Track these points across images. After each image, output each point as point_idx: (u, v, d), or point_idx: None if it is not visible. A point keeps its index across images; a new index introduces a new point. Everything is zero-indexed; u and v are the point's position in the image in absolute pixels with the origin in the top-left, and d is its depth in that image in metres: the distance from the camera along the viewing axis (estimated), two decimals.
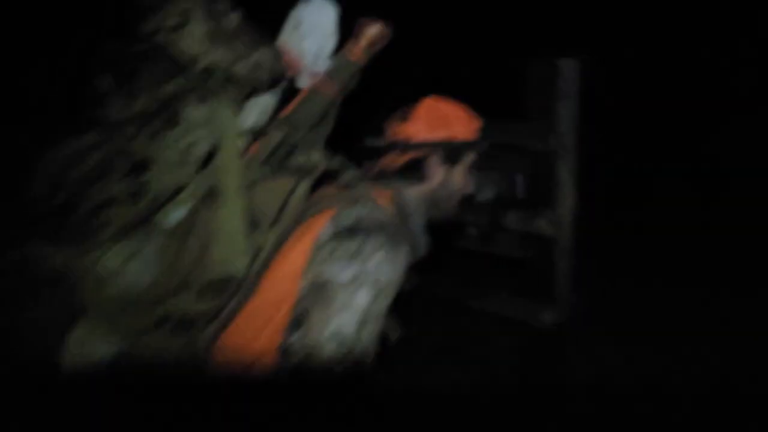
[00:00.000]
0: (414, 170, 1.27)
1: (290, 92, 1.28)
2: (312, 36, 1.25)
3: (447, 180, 1.30)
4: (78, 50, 1.17)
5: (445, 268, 2.70)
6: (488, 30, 5.65)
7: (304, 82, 1.29)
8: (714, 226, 4.17)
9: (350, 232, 1.11)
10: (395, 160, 1.28)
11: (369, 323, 1.07)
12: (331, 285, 1.07)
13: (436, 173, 1.28)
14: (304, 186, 1.18)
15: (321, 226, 1.13)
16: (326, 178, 1.21)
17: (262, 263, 1.13)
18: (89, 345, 1.05)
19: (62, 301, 1.00)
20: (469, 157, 1.33)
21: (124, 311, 1.04)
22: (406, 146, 1.25)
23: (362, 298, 1.06)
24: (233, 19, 1.13)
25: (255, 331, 1.12)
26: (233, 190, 1.10)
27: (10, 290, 0.99)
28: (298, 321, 1.08)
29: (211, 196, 1.10)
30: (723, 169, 4.80)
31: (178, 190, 1.08)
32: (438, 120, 1.28)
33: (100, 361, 1.05)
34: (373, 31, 1.30)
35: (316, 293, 1.07)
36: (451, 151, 1.27)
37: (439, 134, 1.27)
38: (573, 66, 2.46)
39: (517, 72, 2.58)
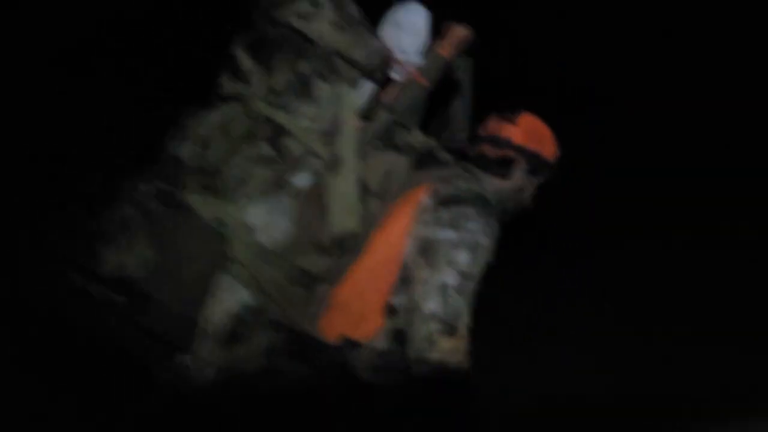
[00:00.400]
0: (501, 167, 1.43)
1: (384, 82, 1.44)
2: (410, 34, 1.43)
3: (522, 187, 1.47)
4: (223, 31, 1.30)
5: None
6: None
7: (399, 74, 1.45)
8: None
9: (452, 200, 1.26)
10: (488, 151, 1.44)
11: (468, 282, 1.21)
12: (436, 244, 1.21)
13: (518, 178, 1.45)
14: (407, 160, 1.34)
15: (423, 194, 1.28)
16: (424, 156, 1.36)
17: (371, 226, 1.27)
18: (231, 292, 1.16)
19: (211, 248, 1.12)
20: (543, 176, 1.51)
21: (264, 264, 1.16)
22: (506, 144, 1.42)
23: (463, 258, 1.21)
24: (354, 9, 1.30)
25: (364, 287, 1.25)
26: (351, 159, 1.24)
27: (166, 235, 1.11)
28: (404, 280, 1.22)
29: (333, 164, 1.24)
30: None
31: (307, 157, 1.23)
32: (535, 134, 1.46)
33: (240, 308, 1.17)
34: (461, 32, 1.48)
35: (423, 252, 1.22)
36: (537, 165, 1.45)
37: (531, 146, 1.45)
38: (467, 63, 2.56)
39: None
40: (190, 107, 1.25)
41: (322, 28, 1.26)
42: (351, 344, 1.24)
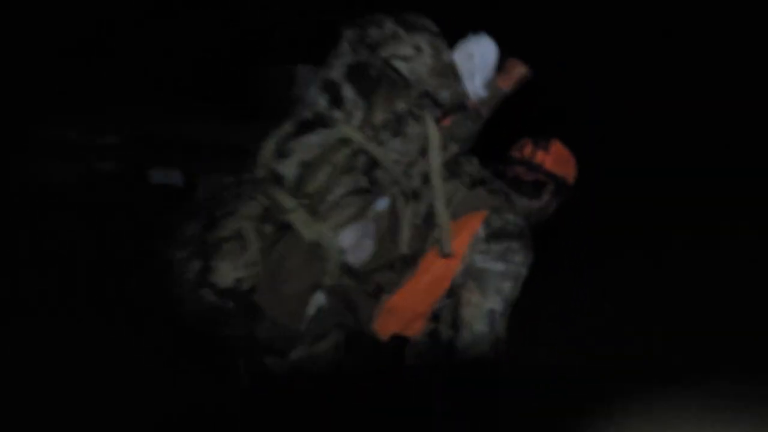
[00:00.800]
0: (533, 189, 1.65)
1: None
2: (481, 67, 1.56)
3: (547, 206, 1.70)
4: (329, 59, 1.38)
5: None
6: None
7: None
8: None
9: (501, 233, 1.49)
10: (523, 174, 1.65)
11: (509, 307, 1.47)
12: (487, 274, 1.45)
13: (546, 198, 1.68)
14: (465, 187, 1.52)
15: (477, 223, 1.50)
16: (477, 182, 1.55)
17: (430, 246, 1.48)
18: (316, 299, 1.35)
19: (310, 268, 1.29)
20: (564, 197, 1.74)
21: (348, 278, 1.35)
22: (538, 169, 1.63)
23: (508, 287, 1.46)
24: (447, 55, 1.41)
25: (416, 299, 1.48)
26: (440, 190, 1.41)
27: (274, 254, 1.27)
28: (451, 292, 1.46)
29: (413, 193, 1.41)
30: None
31: (391, 186, 1.39)
32: (563, 160, 1.69)
33: (316, 311, 1.37)
34: (522, 70, 1.62)
35: (474, 278, 1.45)
36: (562, 188, 1.67)
37: (560, 172, 1.66)
38: (310, 72, 2.55)
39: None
40: (286, 125, 1.36)
41: (420, 71, 1.38)
42: (400, 340, 1.49)
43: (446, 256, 1.42)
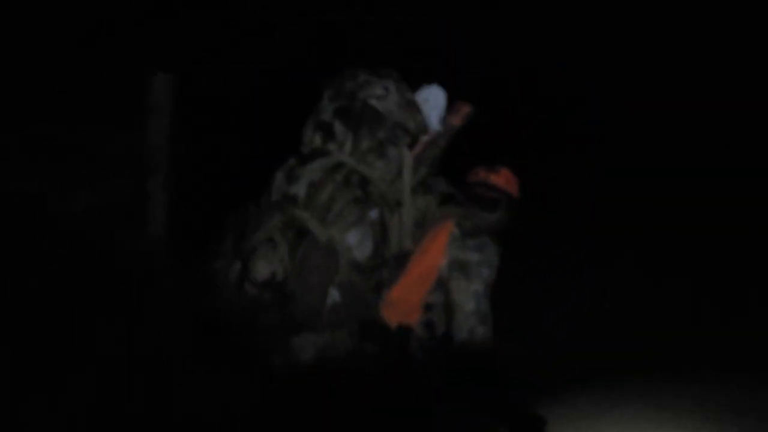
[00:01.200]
0: (490, 204, 2.01)
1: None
2: (434, 109, 1.97)
3: (501, 218, 2.06)
4: (320, 103, 1.78)
5: None
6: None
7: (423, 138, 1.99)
8: None
9: (473, 231, 1.83)
10: (482, 192, 2.02)
11: (489, 289, 1.79)
12: (468, 263, 1.79)
13: (500, 212, 2.04)
14: (435, 201, 1.88)
15: (451, 227, 1.84)
16: (446, 197, 1.91)
17: (416, 248, 1.80)
18: (332, 295, 1.64)
19: (328, 262, 1.60)
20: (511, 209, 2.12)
21: (356, 273, 1.65)
22: (494, 188, 2.00)
23: (486, 273, 1.79)
24: (409, 93, 1.83)
25: (411, 291, 1.79)
26: (409, 201, 1.76)
27: (299, 252, 1.57)
28: (439, 285, 1.77)
29: (396, 204, 1.76)
30: None
31: (379, 198, 1.73)
32: (510, 180, 2.08)
33: (332, 303, 1.65)
34: (467, 109, 2.04)
35: (458, 268, 1.77)
36: (511, 203, 2.05)
37: (509, 189, 2.05)
38: (166, 80, 2.52)
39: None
40: (293, 157, 1.72)
41: (391, 107, 1.78)
42: (405, 329, 1.77)
43: (407, 251, 1.76)
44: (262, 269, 1.58)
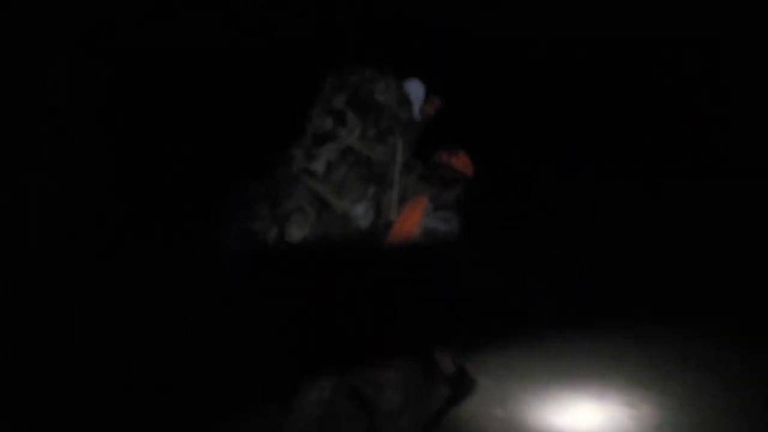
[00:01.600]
0: (451, 183, 2.45)
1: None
2: (416, 100, 2.34)
3: (459, 195, 2.52)
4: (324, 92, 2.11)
5: None
6: None
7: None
8: None
9: (442, 206, 2.27)
10: (444, 173, 2.44)
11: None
12: (436, 230, 2.23)
13: (458, 189, 2.50)
14: (415, 180, 2.28)
15: (425, 202, 2.26)
16: (423, 177, 2.33)
17: (397, 218, 2.22)
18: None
19: (345, 227, 1.96)
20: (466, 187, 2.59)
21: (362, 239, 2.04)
22: (453, 170, 2.43)
23: (449, 239, 2.24)
24: (404, 90, 2.19)
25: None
26: (398, 180, 2.15)
27: (322, 219, 1.92)
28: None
29: (390, 183, 2.14)
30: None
31: (380, 177, 2.11)
32: (466, 164, 2.52)
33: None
34: (438, 102, 2.44)
35: (428, 234, 2.22)
36: (466, 182, 2.50)
37: (465, 171, 2.49)
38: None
39: None
40: (304, 139, 2.05)
41: (391, 101, 2.13)
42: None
43: (391, 221, 2.20)
44: (296, 233, 1.93)
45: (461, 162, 2.55)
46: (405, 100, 2.20)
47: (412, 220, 2.27)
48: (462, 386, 2.36)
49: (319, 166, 2.03)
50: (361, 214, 2.06)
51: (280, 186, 2.01)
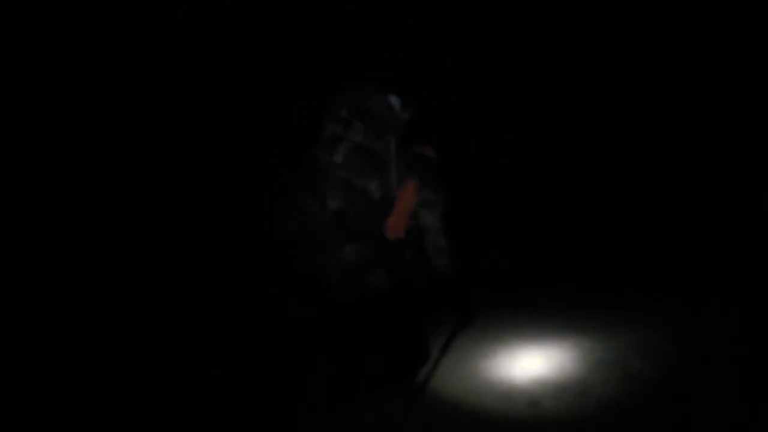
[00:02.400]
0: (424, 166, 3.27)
1: None
2: (397, 108, 3.16)
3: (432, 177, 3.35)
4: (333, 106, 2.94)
5: None
6: None
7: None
8: None
9: (429, 184, 3.07)
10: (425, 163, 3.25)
11: (443, 225, 3.11)
12: (429, 201, 3.10)
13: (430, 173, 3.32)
14: (404, 165, 3.09)
15: (416, 183, 3.05)
16: (411, 164, 3.13)
17: (397, 193, 3.01)
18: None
19: (364, 198, 2.89)
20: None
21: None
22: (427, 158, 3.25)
23: (439, 208, 3.10)
24: (396, 101, 3.01)
25: (399, 219, 3.03)
26: (394, 166, 2.95)
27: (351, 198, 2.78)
28: (413, 215, 3.02)
29: (387, 168, 2.94)
30: None
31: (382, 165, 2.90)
32: (433, 153, 3.33)
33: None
34: (409, 114, 3.26)
35: (423, 205, 3.04)
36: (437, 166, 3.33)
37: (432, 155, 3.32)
38: None
39: None
40: (321, 141, 2.94)
41: (382, 110, 2.96)
42: (399, 240, 3.01)
43: (393, 196, 3.06)
44: (333, 204, 2.88)
45: (432, 151, 3.38)
46: (391, 109, 3.03)
47: (408, 194, 3.09)
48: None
49: (338, 159, 2.89)
50: (374, 189, 2.95)
51: (313, 175, 2.88)
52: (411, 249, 3.14)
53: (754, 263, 3.90)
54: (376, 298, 2.98)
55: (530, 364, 3.26)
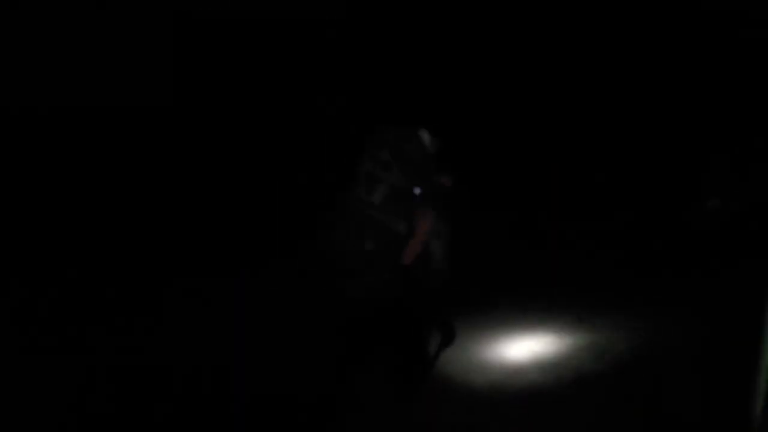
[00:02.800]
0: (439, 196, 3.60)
1: None
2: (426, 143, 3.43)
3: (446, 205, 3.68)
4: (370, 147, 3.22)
5: None
6: None
7: None
8: None
9: (444, 218, 3.37)
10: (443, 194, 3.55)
11: (447, 248, 3.53)
12: (439, 233, 3.48)
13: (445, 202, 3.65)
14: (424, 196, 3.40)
15: (432, 214, 3.37)
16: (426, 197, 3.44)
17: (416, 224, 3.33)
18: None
19: (390, 236, 3.25)
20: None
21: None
22: (443, 188, 3.56)
23: (445, 239, 3.51)
24: (424, 137, 3.27)
25: (414, 248, 3.36)
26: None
27: (379, 234, 3.18)
28: (425, 243, 3.35)
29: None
30: None
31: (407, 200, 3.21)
32: (449, 183, 3.68)
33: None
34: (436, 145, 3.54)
35: (434, 236, 3.41)
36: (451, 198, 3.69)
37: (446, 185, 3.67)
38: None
39: None
40: (359, 177, 3.23)
41: (416, 150, 3.28)
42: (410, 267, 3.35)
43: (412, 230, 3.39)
44: (368, 245, 3.22)
45: (447, 182, 3.67)
46: (423, 147, 3.28)
47: (425, 226, 3.41)
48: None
49: (376, 200, 3.21)
50: (402, 228, 3.29)
51: (351, 213, 3.22)
52: (418, 271, 3.48)
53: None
54: (391, 315, 3.36)
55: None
